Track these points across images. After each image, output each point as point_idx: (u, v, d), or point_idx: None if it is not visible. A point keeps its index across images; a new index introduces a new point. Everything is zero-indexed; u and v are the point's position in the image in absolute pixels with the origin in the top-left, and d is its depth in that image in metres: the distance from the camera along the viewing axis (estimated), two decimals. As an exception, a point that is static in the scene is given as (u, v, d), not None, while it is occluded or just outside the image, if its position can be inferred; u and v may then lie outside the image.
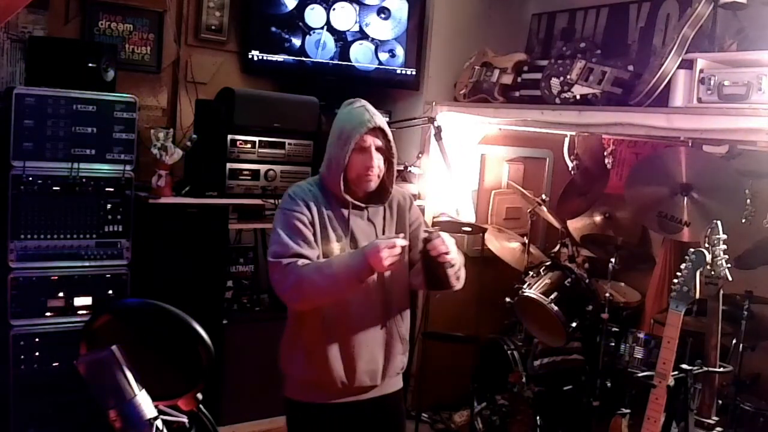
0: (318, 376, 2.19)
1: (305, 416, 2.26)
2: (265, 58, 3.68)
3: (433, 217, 3.84)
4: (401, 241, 1.98)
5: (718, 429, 2.48)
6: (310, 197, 2.19)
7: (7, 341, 2.76)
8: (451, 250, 2.04)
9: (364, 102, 2.25)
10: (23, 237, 2.76)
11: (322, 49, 3.80)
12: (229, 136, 3.22)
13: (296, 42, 3.74)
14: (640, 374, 2.59)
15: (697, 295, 2.38)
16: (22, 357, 2.79)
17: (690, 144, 3.11)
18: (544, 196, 3.82)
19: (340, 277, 2.01)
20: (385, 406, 2.31)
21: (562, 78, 3.25)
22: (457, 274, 2.15)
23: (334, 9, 3.81)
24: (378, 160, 2.17)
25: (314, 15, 3.77)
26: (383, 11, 3.94)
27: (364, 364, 2.20)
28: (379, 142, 2.17)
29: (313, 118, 3.47)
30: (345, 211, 2.21)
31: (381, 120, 2.19)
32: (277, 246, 2.09)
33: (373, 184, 2.19)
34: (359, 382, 2.21)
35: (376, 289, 2.19)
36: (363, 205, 2.22)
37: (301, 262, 2.05)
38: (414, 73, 4.02)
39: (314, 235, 2.14)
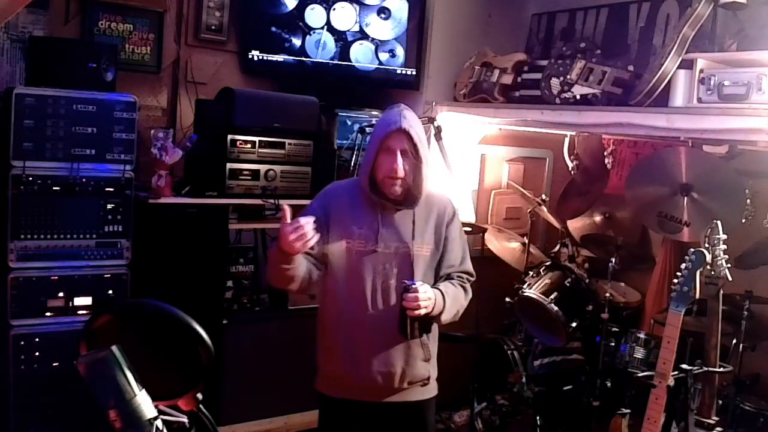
0: (334, 370, 2.29)
1: (327, 408, 2.37)
2: (265, 58, 3.68)
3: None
4: (305, 220, 2.00)
5: (718, 429, 2.49)
6: (339, 195, 2.29)
7: (7, 341, 2.76)
8: (425, 305, 2.12)
9: (403, 107, 2.26)
10: (23, 237, 2.76)
11: (322, 49, 3.80)
12: (229, 136, 3.22)
13: (296, 42, 3.74)
14: (640, 374, 2.59)
15: (697, 295, 2.38)
16: (22, 357, 2.78)
17: (690, 144, 3.11)
18: (544, 196, 3.82)
19: (270, 262, 2.15)
20: (409, 414, 2.33)
21: (562, 78, 3.25)
22: (441, 317, 2.24)
23: (334, 9, 3.80)
24: (403, 163, 2.18)
25: (314, 15, 3.76)
26: (383, 11, 3.94)
27: (377, 365, 2.23)
28: (405, 146, 2.18)
29: (313, 118, 3.47)
30: (374, 211, 2.25)
31: (411, 123, 2.19)
32: None
33: (398, 188, 2.21)
34: (371, 381, 2.24)
35: (400, 294, 2.21)
36: (392, 206, 2.25)
37: None
38: (414, 73, 4.02)
39: (326, 235, 2.21)
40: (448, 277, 2.33)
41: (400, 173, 2.18)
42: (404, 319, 2.16)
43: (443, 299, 2.21)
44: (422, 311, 2.12)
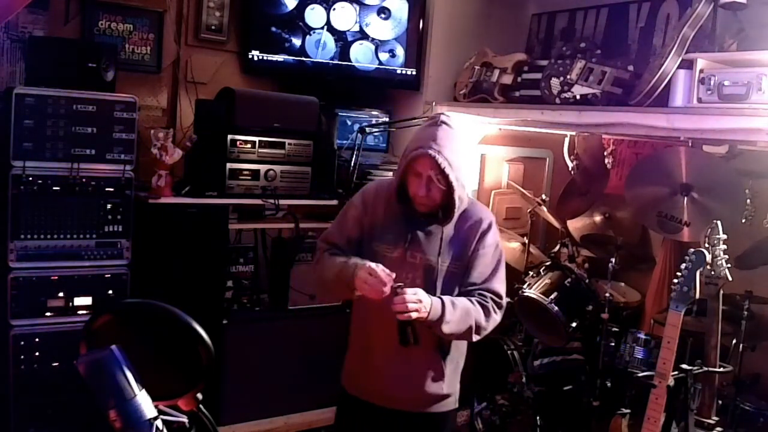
0: (352, 368, 2.33)
1: (343, 402, 2.39)
2: (265, 58, 3.68)
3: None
4: (383, 274, 2.00)
5: (718, 429, 2.48)
6: (378, 195, 2.25)
7: (7, 341, 2.76)
8: (414, 308, 1.99)
9: (443, 122, 2.12)
10: (23, 237, 2.76)
11: (322, 49, 3.80)
12: (229, 136, 3.22)
13: (296, 42, 3.74)
14: (640, 374, 2.59)
15: (697, 295, 2.37)
16: (22, 357, 2.78)
17: (690, 144, 3.11)
18: (544, 196, 3.82)
19: (336, 279, 2.14)
20: (423, 425, 2.28)
21: (562, 78, 3.25)
22: (443, 328, 2.07)
23: (334, 9, 3.80)
24: (429, 190, 2.10)
25: (314, 15, 3.77)
26: (383, 11, 3.94)
27: (388, 374, 2.20)
28: (431, 172, 2.08)
29: (313, 118, 3.47)
30: (405, 220, 2.20)
31: (441, 148, 2.05)
32: (330, 227, 2.34)
33: (424, 208, 2.16)
34: (382, 387, 2.23)
35: None
36: (422, 219, 2.19)
37: (331, 252, 2.23)
38: (414, 73, 4.02)
39: (364, 230, 2.22)
40: (468, 294, 2.17)
41: (423, 200, 2.13)
42: (399, 326, 2.05)
43: (442, 307, 2.07)
44: (413, 314, 1.99)
